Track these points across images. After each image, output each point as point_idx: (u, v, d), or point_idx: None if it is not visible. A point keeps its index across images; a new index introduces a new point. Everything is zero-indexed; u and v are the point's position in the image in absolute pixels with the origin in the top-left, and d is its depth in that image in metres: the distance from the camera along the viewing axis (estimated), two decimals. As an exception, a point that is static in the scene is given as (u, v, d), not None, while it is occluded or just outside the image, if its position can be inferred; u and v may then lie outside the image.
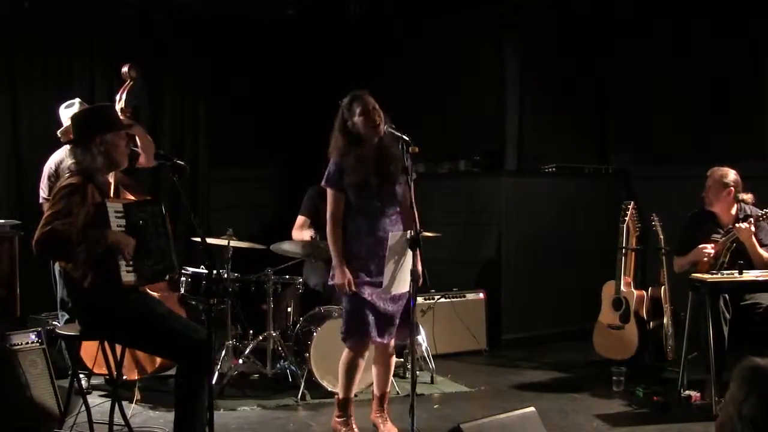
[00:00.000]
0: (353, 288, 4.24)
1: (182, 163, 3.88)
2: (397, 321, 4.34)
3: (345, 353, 4.39)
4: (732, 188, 5.24)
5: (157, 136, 7.20)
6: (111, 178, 4.47)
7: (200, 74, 7.48)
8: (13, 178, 6.58)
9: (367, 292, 4.25)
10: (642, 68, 7.32)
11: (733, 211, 5.29)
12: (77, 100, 5.36)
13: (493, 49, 7.37)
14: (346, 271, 4.24)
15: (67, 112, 5.29)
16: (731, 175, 5.27)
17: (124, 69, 5.08)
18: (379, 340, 4.32)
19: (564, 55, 7.49)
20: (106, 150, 3.79)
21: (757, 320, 5.00)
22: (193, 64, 7.44)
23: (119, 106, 4.98)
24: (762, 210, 5.11)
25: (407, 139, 4.10)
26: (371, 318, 4.26)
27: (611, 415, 4.91)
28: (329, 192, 4.33)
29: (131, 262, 3.72)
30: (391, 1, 7.41)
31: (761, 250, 5.12)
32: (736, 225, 5.11)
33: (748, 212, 5.25)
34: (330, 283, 4.39)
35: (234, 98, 7.70)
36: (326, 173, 4.33)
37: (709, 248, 5.19)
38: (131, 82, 5.06)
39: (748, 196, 5.33)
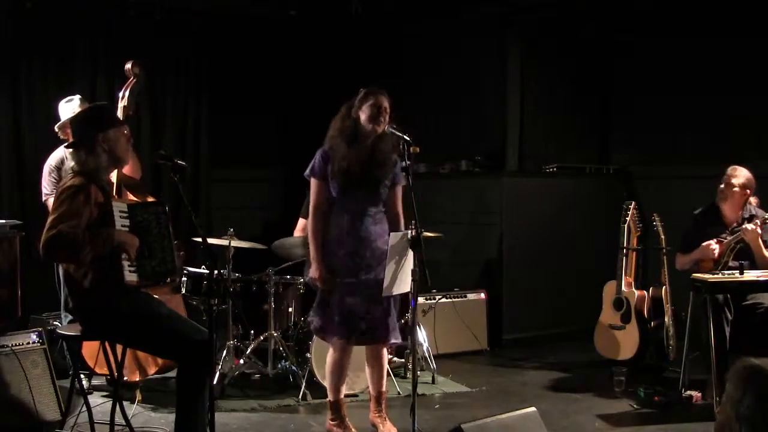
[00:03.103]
0: (327, 284, 4.23)
1: (183, 163, 3.87)
2: (364, 326, 4.27)
3: (329, 355, 4.40)
4: (749, 190, 5.25)
5: (158, 136, 7.23)
6: (113, 178, 4.48)
7: (200, 74, 7.48)
8: (15, 179, 6.58)
9: (339, 293, 4.24)
10: (642, 68, 7.32)
11: (740, 212, 5.28)
12: (77, 97, 5.35)
13: (494, 48, 7.37)
14: (323, 265, 4.23)
15: (67, 107, 5.28)
16: (750, 175, 5.28)
17: (128, 66, 5.07)
18: (343, 341, 4.30)
19: (565, 55, 7.50)
20: (110, 147, 3.80)
21: (758, 320, 5.00)
22: (194, 64, 7.44)
23: (122, 104, 4.98)
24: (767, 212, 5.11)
25: (408, 139, 4.09)
26: (337, 318, 4.26)
27: (612, 415, 4.91)
28: (313, 182, 4.31)
29: (134, 262, 3.72)
30: (392, 1, 7.41)
31: (766, 252, 5.12)
32: (744, 226, 5.09)
33: (754, 213, 5.24)
34: (306, 278, 4.38)
35: (234, 98, 7.69)
36: (311, 163, 4.32)
37: (713, 244, 5.18)
38: (134, 80, 5.04)
39: (753, 197, 5.33)
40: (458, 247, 6.98)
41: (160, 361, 4.99)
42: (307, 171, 4.34)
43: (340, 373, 4.40)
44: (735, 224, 5.23)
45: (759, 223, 5.07)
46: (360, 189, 4.27)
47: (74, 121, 4.06)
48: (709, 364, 4.83)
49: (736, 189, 5.24)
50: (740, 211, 5.27)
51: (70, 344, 4.58)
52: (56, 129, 5.27)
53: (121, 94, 5.04)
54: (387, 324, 4.35)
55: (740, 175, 5.26)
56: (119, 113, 4.89)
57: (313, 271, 4.27)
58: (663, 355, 5.82)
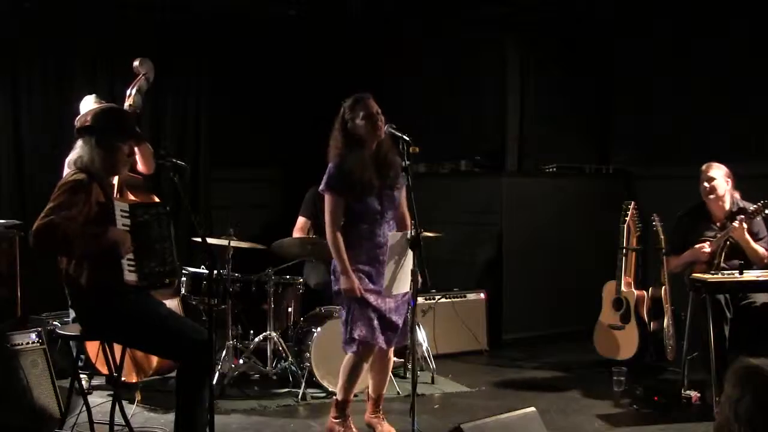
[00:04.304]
0: (360, 294, 4.20)
1: (183, 163, 3.87)
2: (401, 325, 4.33)
3: (349, 356, 4.37)
4: (729, 179, 5.27)
5: (157, 136, 7.22)
6: (115, 179, 4.47)
7: (200, 74, 7.48)
8: (15, 179, 6.58)
9: (372, 298, 4.24)
10: (642, 68, 7.32)
11: (727, 205, 5.29)
12: (93, 95, 5.27)
13: (493, 49, 7.37)
14: (353, 275, 4.21)
15: (84, 105, 5.22)
16: (723, 166, 5.30)
17: (135, 63, 4.99)
18: (384, 346, 4.33)
19: (564, 55, 7.50)
20: (106, 152, 3.78)
21: (754, 318, 5.00)
22: (193, 64, 7.44)
23: (128, 102, 4.92)
24: (754, 204, 5.10)
25: (407, 139, 4.10)
26: (376, 323, 4.24)
27: (612, 415, 4.91)
28: (329, 196, 4.27)
29: (133, 262, 3.72)
30: (392, 1, 7.41)
31: (756, 245, 5.13)
32: (732, 224, 5.09)
33: (741, 206, 5.24)
34: (335, 288, 4.32)
35: (234, 98, 7.69)
36: (326, 177, 4.28)
37: (706, 247, 5.18)
38: (142, 77, 4.98)
39: (735, 191, 5.33)
40: (458, 247, 6.98)
41: (154, 364, 4.95)
42: (322, 186, 4.28)
43: (358, 375, 4.39)
44: (724, 219, 5.22)
45: (744, 218, 5.07)
46: (376, 197, 4.26)
47: (96, 113, 3.95)
48: (708, 364, 4.83)
49: (716, 181, 5.25)
50: (728, 206, 5.27)
51: (71, 344, 4.60)
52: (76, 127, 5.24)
53: (128, 93, 4.97)
54: (405, 328, 4.37)
55: (715, 167, 5.28)
56: None
57: (344, 283, 4.20)
58: (662, 355, 5.82)
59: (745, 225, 5.06)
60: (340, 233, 4.24)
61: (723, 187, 5.26)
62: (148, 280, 3.81)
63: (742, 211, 5.17)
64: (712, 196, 5.28)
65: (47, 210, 3.57)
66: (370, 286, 4.24)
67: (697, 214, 5.39)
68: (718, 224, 5.26)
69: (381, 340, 4.27)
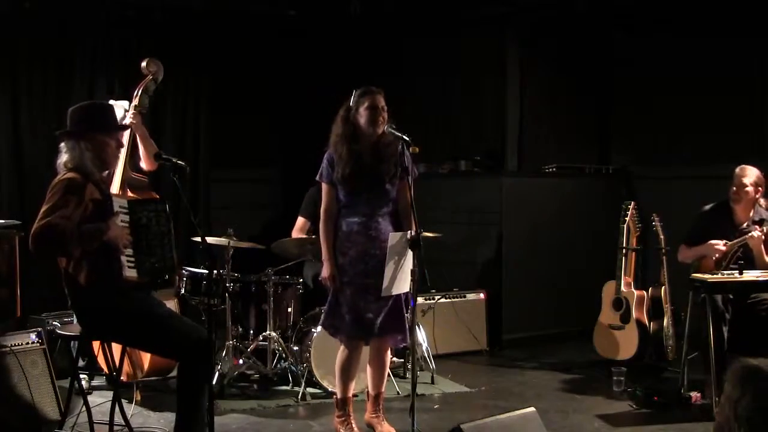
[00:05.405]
0: (337, 284, 4.27)
1: (182, 163, 3.87)
2: (377, 323, 4.29)
3: (339, 352, 4.41)
4: (761, 188, 5.21)
5: (157, 136, 7.20)
6: (118, 177, 4.46)
7: (200, 74, 7.48)
8: (14, 179, 6.57)
9: (349, 292, 4.26)
10: (642, 68, 7.32)
11: (751, 212, 5.25)
12: (126, 102, 5.24)
13: (493, 49, 7.37)
14: (333, 265, 4.27)
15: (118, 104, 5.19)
16: (759, 173, 5.22)
17: (143, 63, 4.99)
18: (353, 340, 4.34)
19: (564, 55, 7.50)
20: (95, 149, 3.78)
21: (762, 317, 4.99)
22: (193, 64, 7.43)
23: (134, 103, 4.91)
24: None
25: (407, 139, 4.11)
26: (347, 317, 4.28)
27: (612, 415, 4.91)
28: (322, 186, 4.38)
29: (133, 259, 3.72)
30: (391, 1, 7.40)
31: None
32: (750, 233, 5.07)
33: (765, 216, 5.21)
34: (320, 277, 4.41)
35: (234, 98, 7.69)
36: (320, 168, 4.36)
37: (720, 245, 5.15)
38: (150, 77, 4.96)
39: (763, 199, 5.29)
40: (458, 247, 6.98)
41: (146, 364, 4.95)
42: (318, 175, 4.38)
43: (349, 371, 4.41)
44: (744, 225, 5.18)
45: (765, 230, 5.04)
46: (367, 191, 4.27)
47: (71, 111, 3.95)
48: (708, 364, 4.84)
49: (749, 189, 5.17)
50: (751, 212, 5.24)
51: (71, 344, 4.59)
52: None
53: (134, 93, 4.96)
54: (399, 324, 4.35)
55: (750, 174, 5.20)
56: (131, 113, 4.83)
57: (324, 271, 4.32)
58: (662, 355, 5.82)
59: (763, 236, 5.04)
60: (331, 222, 4.32)
61: (752, 194, 5.20)
62: (148, 276, 3.81)
63: (764, 222, 5.14)
64: (738, 204, 5.23)
65: (43, 213, 3.57)
66: (356, 280, 4.26)
67: (722, 212, 5.30)
68: (738, 228, 5.22)
69: (352, 333, 4.30)
